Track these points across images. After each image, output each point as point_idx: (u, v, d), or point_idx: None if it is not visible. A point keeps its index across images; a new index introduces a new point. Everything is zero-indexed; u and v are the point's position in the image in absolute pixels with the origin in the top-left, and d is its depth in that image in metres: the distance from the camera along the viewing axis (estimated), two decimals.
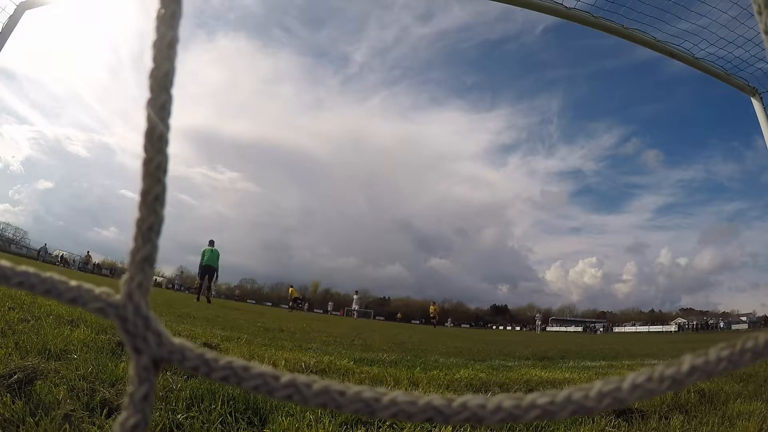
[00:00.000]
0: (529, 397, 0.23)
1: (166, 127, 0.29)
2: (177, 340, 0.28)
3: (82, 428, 1.26)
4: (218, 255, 14.28)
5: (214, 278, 14.30)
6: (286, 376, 0.25)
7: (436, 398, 0.23)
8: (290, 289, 30.73)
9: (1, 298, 3.44)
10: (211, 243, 14.44)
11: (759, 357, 0.23)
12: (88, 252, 37.64)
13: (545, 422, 1.65)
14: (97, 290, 0.28)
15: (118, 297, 0.28)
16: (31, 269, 0.28)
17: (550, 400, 0.23)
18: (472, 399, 0.23)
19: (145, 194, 0.29)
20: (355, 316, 32.28)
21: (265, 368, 0.26)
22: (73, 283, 0.29)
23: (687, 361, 0.23)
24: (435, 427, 1.56)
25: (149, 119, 0.29)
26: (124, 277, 0.29)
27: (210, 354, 0.27)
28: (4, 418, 1.23)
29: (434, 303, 30.96)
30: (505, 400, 0.23)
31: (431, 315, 29.31)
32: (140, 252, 0.29)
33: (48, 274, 0.28)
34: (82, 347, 2.20)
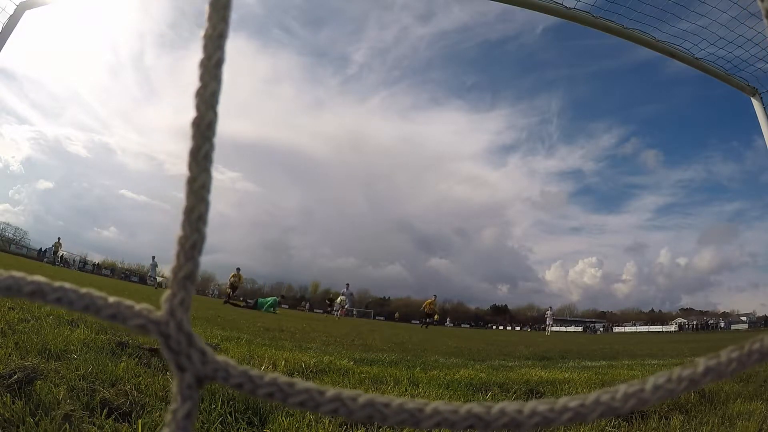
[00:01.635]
0: (562, 401, 0.24)
1: (211, 146, 0.29)
2: (221, 358, 0.28)
3: (82, 428, 1.26)
4: (269, 303, 19.17)
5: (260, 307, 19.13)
6: (331, 391, 0.26)
7: (475, 406, 0.24)
8: (238, 271, 20.44)
9: (1, 298, 3.44)
10: (275, 301, 19.89)
11: (765, 358, 0.24)
12: (59, 239, 34.45)
13: None
14: (138, 306, 0.28)
15: (159, 313, 0.28)
16: (67, 284, 0.28)
17: (581, 402, 0.24)
18: (510, 405, 0.24)
19: (188, 212, 0.29)
20: (345, 308, 23.69)
21: (310, 384, 0.26)
22: (112, 299, 0.29)
23: (702, 363, 0.24)
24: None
25: (195, 138, 0.29)
26: (166, 293, 0.29)
27: (254, 371, 0.27)
28: (4, 418, 1.23)
29: (435, 297, 23.66)
30: (540, 404, 0.24)
31: (426, 311, 22.51)
32: (182, 269, 0.29)
33: (85, 289, 0.28)
34: (82, 347, 2.20)
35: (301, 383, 0.26)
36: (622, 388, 0.24)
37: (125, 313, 0.28)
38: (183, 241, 0.29)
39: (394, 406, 0.25)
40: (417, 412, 0.25)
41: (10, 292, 0.27)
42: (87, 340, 2.38)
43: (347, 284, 24.68)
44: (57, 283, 0.28)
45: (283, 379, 0.27)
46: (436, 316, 23.36)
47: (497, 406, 0.24)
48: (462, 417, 0.24)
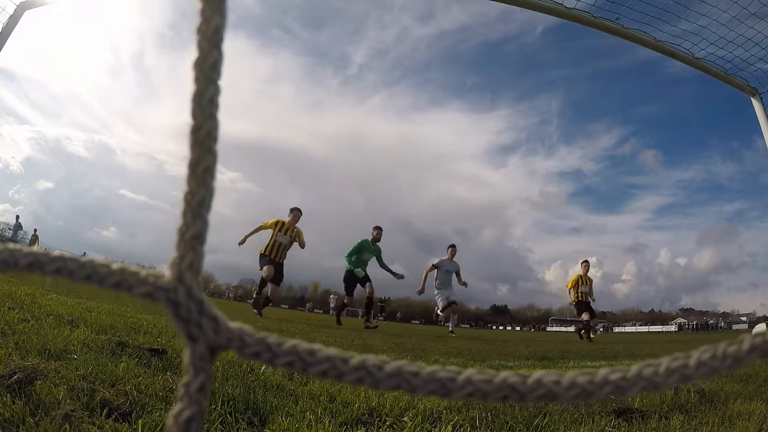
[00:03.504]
0: (602, 373, 0.23)
1: (217, 89, 0.26)
2: (234, 325, 0.25)
3: (82, 428, 1.26)
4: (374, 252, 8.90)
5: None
6: (355, 358, 0.24)
7: (511, 375, 0.23)
8: (294, 215, 9.22)
9: (1, 298, 3.44)
10: (377, 231, 8.81)
11: None
12: (35, 231, 32.35)
13: (545, 421, 1.65)
14: (144, 273, 0.26)
15: (167, 279, 0.26)
16: (67, 254, 0.26)
17: (622, 375, 0.23)
18: (547, 375, 0.23)
19: (194, 166, 0.26)
20: (449, 303, 11.30)
21: (333, 350, 0.25)
22: (116, 266, 0.26)
23: (747, 341, 0.23)
24: (435, 426, 1.56)
25: (197, 81, 0.25)
26: (173, 257, 0.26)
27: (273, 338, 0.25)
28: (4, 418, 1.23)
29: (586, 263, 11.81)
30: (579, 376, 0.23)
31: (579, 296, 11.10)
32: (190, 229, 0.26)
33: (86, 258, 0.26)
34: (82, 347, 2.20)
35: (323, 350, 0.24)
36: (665, 363, 0.23)
37: (130, 280, 0.26)
38: (189, 198, 0.26)
39: (424, 375, 0.23)
40: (448, 381, 0.23)
41: (6, 266, 0.26)
42: (87, 340, 2.38)
43: (452, 247, 9.83)
44: (55, 253, 0.26)
45: (304, 346, 0.24)
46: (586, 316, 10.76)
47: (534, 377, 0.23)
48: (496, 387, 0.23)
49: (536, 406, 1.84)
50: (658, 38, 4.33)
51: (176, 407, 0.24)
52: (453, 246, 9.62)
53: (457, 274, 9.53)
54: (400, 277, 9.12)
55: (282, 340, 0.25)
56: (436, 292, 9.46)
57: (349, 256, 8.75)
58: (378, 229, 8.89)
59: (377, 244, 8.86)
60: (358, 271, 8.71)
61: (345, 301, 9.16)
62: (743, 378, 2.99)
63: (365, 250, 8.73)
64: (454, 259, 9.59)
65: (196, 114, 0.26)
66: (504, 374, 0.23)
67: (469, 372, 0.23)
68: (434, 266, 9.37)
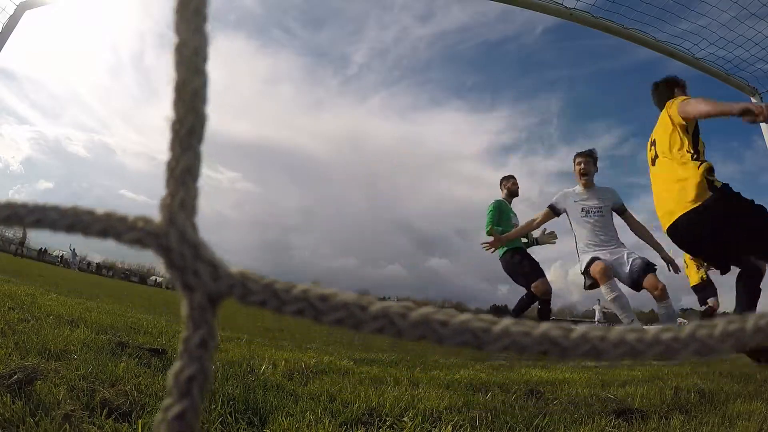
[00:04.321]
0: (653, 331, 0.21)
1: (203, 1, 0.22)
2: (236, 270, 0.22)
3: (82, 428, 1.26)
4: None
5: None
6: (376, 305, 0.21)
7: (553, 328, 0.20)
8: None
9: (1, 298, 3.44)
10: (512, 182, 5.26)
11: None
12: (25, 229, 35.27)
13: (545, 421, 1.65)
14: (132, 217, 0.23)
15: (157, 223, 0.22)
16: (49, 204, 0.24)
17: (675, 336, 0.20)
18: (593, 330, 0.21)
19: (180, 88, 0.22)
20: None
21: (349, 295, 0.21)
22: (101, 211, 0.23)
23: None
24: (435, 426, 1.56)
25: None
26: (163, 196, 0.23)
27: (280, 284, 0.21)
28: (4, 418, 1.23)
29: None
30: (628, 333, 0.21)
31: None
32: (180, 163, 0.22)
33: (69, 206, 0.24)
34: (82, 347, 2.20)
35: (338, 296, 0.21)
36: (720, 325, 0.21)
37: (118, 227, 0.23)
38: (177, 127, 0.22)
39: (454, 325, 0.20)
40: (481, 332, 0.20)
41: None
42: (87, 340, 2.38)
43: (585, 157, 4.19)
44: (32, 204, 0.24)
45: (316, 291, 0.21)
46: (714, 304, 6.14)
47: (578, 331, 0.20)
48: (535, 341, 0.20)
49: (536, 407, 1.85)
50: (658, 38, 4.34)
51: (176, 366, 0.21)
52: (588, 154, 4.30)
53: (621, 213, 4.32)
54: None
55: (290, 285, 0.22)
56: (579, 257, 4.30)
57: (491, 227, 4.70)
58: (510, 178, 5.25)
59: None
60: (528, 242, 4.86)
61: (536, 289, 4.71)
62: (743, 378, 3.00)
63: (509, 211, 5.13)
64: (597, 185, 4.36)
65: (181, 29, 0.22)
66: (546, 326, 0.20)
67: (506, 322, 0.20)
68: (551, 207, 4.39)
